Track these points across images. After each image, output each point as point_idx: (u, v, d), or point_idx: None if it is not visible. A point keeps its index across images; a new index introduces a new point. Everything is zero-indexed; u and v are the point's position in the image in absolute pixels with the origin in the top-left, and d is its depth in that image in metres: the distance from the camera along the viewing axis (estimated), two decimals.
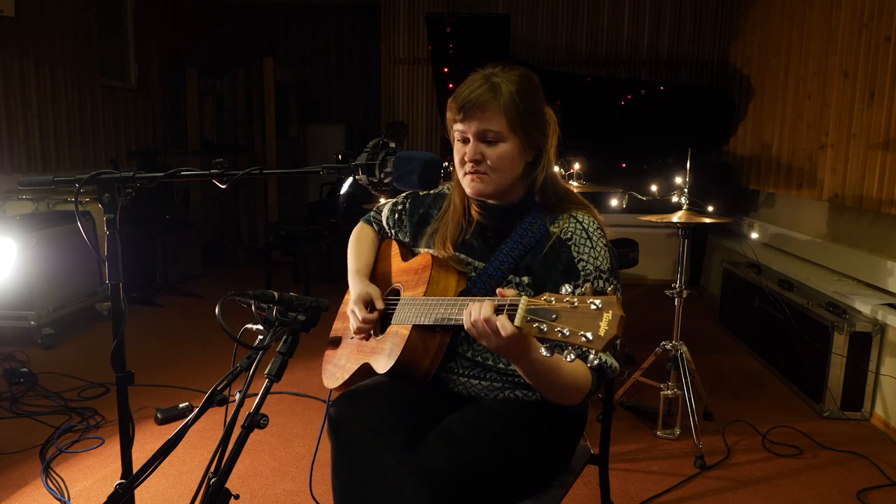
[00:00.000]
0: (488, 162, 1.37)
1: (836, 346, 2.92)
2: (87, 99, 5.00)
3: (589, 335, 0.96)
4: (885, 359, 2.90)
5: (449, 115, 1.41)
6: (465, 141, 1.39)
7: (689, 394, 2.67)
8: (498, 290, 1.12)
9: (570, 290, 1.02)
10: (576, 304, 0.99)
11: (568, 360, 0.99)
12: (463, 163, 1.40)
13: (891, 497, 2.35)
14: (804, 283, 3.50)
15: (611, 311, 0.96)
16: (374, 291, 1.53)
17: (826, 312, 3.06)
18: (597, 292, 0.98)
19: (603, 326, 0.96)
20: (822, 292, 3.32)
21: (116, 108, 5.41)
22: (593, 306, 0.98)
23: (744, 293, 3.89)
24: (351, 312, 1.51)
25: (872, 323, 2.92)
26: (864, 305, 3.01)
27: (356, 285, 1.58)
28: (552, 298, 1.02)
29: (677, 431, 2.74)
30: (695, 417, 2.62)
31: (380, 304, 1.50)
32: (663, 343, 2.81)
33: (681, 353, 2.74)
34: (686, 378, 2.70)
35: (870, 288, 3.25)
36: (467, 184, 1.41)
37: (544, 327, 1.00)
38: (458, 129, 1.39)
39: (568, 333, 0.98)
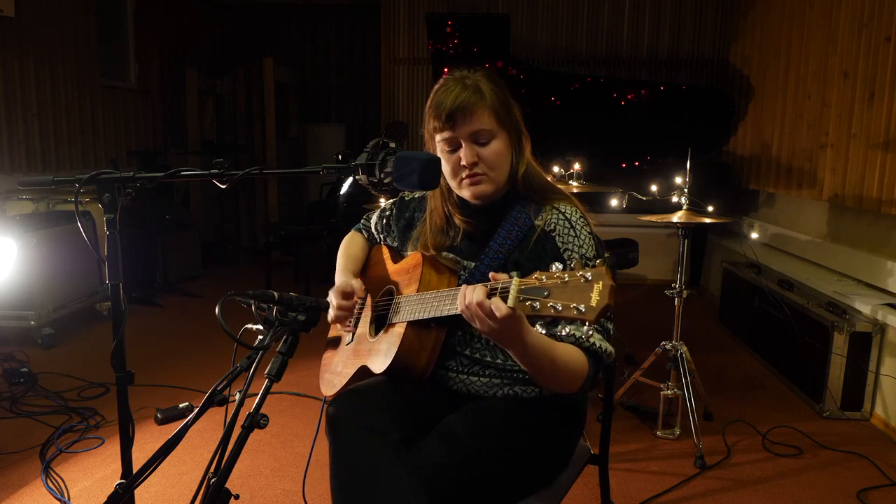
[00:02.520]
0: (485, 162, 1.38)
1: (836, 346, 2.92)
2: (87, 99, 5.01)
3: (581, 307, 0.98)
4: (885, 359, 2.90)
5: (432, 125, 1.41)
6: (454, 149, 1.40)
7: (689, 394, 2.67)
8: (491, 275, 1.14)
9: (560, 267, 1.04)
10: (566, 279, 1.01)
11: (563, 332, 1.00)
12: (457, 170, 1.40)
13: (891, 497, 2.35)
14: (804, 283, 3.50)
15: (601, 282, 0.98)
16: (355, 283, 1.54)
17: (826, 312, 3.06)
18: (586, 268, 1.00)
19: (594, 297, 0.98)
20: (822, 292, 3.32)
21: (116, 108, 5.41)
22: (583, 279, 0.99)
23: (744, 293, 3.89)
24: (329, 302, 1.52)
25: (872, 323, 2.92)
26: (864, 305, 3.01)
27: (338, 278, 1.60)
28: (543, 276, 1.04)
29: (677, 431, 2.74)
30: (695, 417, 2.62)
31: (360, 293, 1.52)
32: (663, 343, 2.81)
33: (681, 353, 2.74)
34: (686, 378, 2.70)
35: (870, 288, 3.25)
36: (466, 189, 1.41)
37: (537, 304, 1.02)
38: (444, 137, 1.39)
39: (560, 308, 1.00)
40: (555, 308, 1.00)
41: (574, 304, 0.98)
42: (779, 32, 4.50)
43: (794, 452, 2.64)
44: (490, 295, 1.11)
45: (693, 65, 5.97)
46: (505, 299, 1.07)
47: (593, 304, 0.97)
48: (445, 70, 5.20)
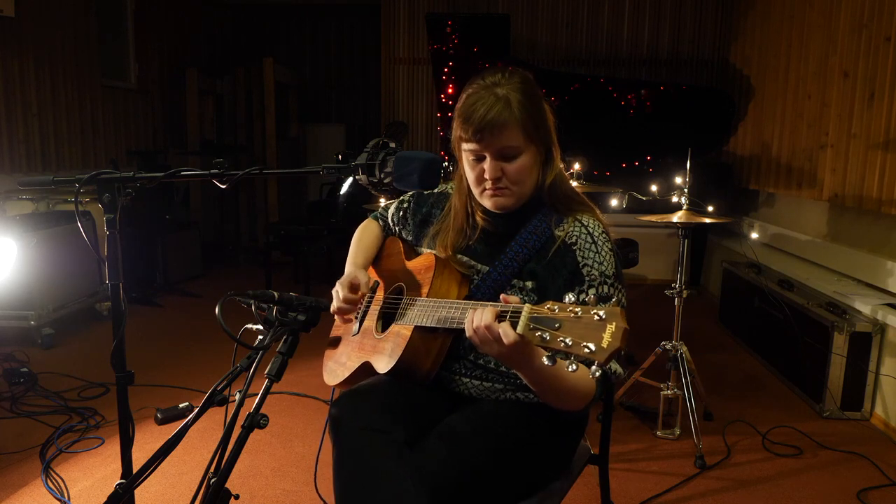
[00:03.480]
0: (508, 177, 1.35)
1: (836, 346, 2.92)
2: (87, 99, 5.00)
3: (591, 346, 0.95)
4: (885, 359, 2.90)
5: (459, 133, 1.36)
6: (479, 159, 1.36)
7: (689, 394, 2.67)
8: (502, 297, 1.11)
9: (573, 298, 1.02)
10: (579, 313, 0.99)
11: (570, 370, 0.97)
12: (481, 180, 1.37)
13: (891, 497, 2.35)
14: (804, 283, 3.50)
15: (614, 323, 0.96)
16: (362, 276, 1.51)
17: (826, 312, 3.06)
18: (602, 298, 0.97)
19: (606, 338, 0.95)
20: (822, 292, 3.32)
21: (116, 108, 5.41)
22: (597, 317, 0.97)
23: (744, 293, 3.89)
24: (334, 293, 1.50)
25: (872, 323, 2.92)
26: (864, 305, 3.01)
27: (347, 268, 1.58)
28: (555, 307, 1.02)
29: (677, 431, 2.74)
30: (695, 417, 2.62)
31: (364, 289, 1.49)
32: (663, 343, 2.81)
33: (681, 353, 2.74)
34: (686, 378, 2.70)
35: (870, 288, 3.25)
36: (487, 199, 1.39)
37: (547, 336, 1.00)
38: (471, 148, 1.35)
39: (570, 343, 0.97)
40: (564, 343, 0.98)
41: (584, 343, 0.96)
42: (779, 32, 4.50)
43: (794, 452, 2.64)
44: (500, 318, 1.09)
45: (693, 65, 5.97)
46: (514, 325, 1.05)
47: (604, 345, 0.95)
48: (445, 70, 5.23)
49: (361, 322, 1.59)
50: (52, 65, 4.60)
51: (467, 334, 1.15)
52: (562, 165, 1.47)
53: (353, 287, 1.50)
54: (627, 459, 2.56)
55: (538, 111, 1.36)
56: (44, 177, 1.36)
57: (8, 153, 4.25)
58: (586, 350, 0.96)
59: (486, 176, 1.35)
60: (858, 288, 3.28)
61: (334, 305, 1.50)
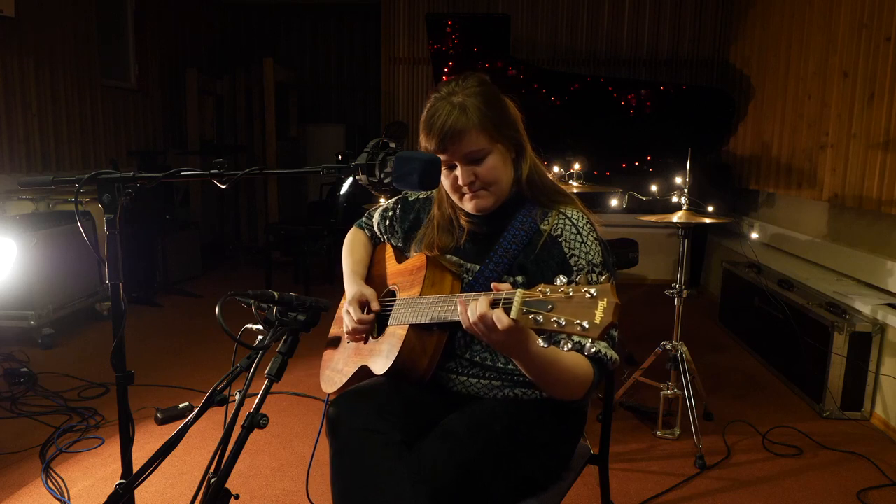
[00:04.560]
0: (481, 179, 1.37)
1: (836, 346, 2.92)
2: (87, 99, 5.01)
3: (585, 323, 0.97)
4: (885, 359, 2.90)
5: (425, 145, 1.39)
6: (450, 167, 1.39)
7: (689, 394, 2.67)
8: (493, 285, 1.13)
9: (564, 280, 1.03)
10: (570, 293, 1.00)
11: (565, 349, 0.99)
12: (456, 188, 1.40)
13: (891, 497, 2.35)
14: (804, 283, 3.50)
15: (605, 299, 0.97)
16: (368, 292, 1.53)
17: (826, 312, 3.06)
18: (591, 283, 0.99)
19: (598, 314, 0.96)
20: (822, 292, 3.32)
21: (116, 108, 5.41)
22: (588, 295, 0.98)
23: (744, 293, 3.89)
24: (346, 313, 1.52)
25: (872, 323, 2.92)
26: (864, 305, 3.01)
27: (351, 286, 1.58)
28: (547, 290, 1.03)
29: (677, 431, 2.74)
30: (695, 417, 2.62)
31: (375, 306, 1.51)
32: (663, 343, 2.81)
33: (681, 353, 2.74)
34: (686, 378, 2.70)
35: (870, 288, 3.25)
36: (468, 203, 1.41)
37: (540, 318, 1.01)
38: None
39: (564, 323, 0.98)
40: (558, 323, 0.99)
41: (578, 321, 0.97)
42: (779, 32, 4.50)
43: (794, 452, 2.64)
44: (493, 306, 1.10)
45: (693, 65, 5.98)
46: (508, 311, 1.06)
47: (597, 321, 0.96)
48: (446, 70, 5.23)
49: None
50: (52, 65, 4.60)
51: (463, 326, 1.16)
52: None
53: (362, 305, 1.51)
54: (627, 459, 2.56)
55: (498, 110, 1.38)
56: (44, 177, 1.36)
57: (8, 153, 4.25)
58: (579, 328, 0.97)
59: (460, 182, 1.38)
60: (858, 288, 3.28)
61: (349, 327, 1.50)
